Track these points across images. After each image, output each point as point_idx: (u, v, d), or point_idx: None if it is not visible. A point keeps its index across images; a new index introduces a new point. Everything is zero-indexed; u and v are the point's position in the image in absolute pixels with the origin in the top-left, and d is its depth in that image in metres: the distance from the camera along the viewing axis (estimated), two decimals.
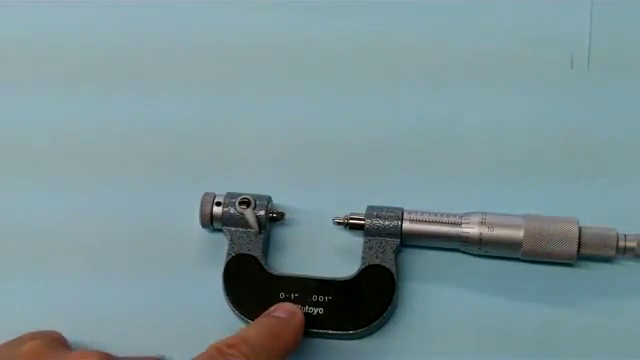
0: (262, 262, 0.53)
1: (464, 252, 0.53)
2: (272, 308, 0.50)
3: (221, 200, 0.53)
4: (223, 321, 0.52)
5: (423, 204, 0.53)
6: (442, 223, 0.52)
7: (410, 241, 0.53)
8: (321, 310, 0.51)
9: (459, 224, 0.52)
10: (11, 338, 0.49)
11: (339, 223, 0.53)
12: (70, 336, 0.51)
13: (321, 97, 0.59)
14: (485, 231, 0.51)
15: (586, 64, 0.59)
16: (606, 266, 0.53)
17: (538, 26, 0.60)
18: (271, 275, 0.53)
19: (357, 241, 0.53)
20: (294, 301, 0.51)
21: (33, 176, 0.58)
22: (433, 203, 0.54)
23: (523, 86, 0.59)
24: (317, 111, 0.58)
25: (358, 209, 0.53)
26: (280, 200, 0.55)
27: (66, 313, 0.54)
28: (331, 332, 0.51)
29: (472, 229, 0.52)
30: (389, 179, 0.56)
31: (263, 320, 0.50)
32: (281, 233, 0.55)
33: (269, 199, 0.54)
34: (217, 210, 0.53)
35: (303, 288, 0.52)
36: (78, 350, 0.46)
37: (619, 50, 0.60)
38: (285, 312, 0.50)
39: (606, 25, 0.60)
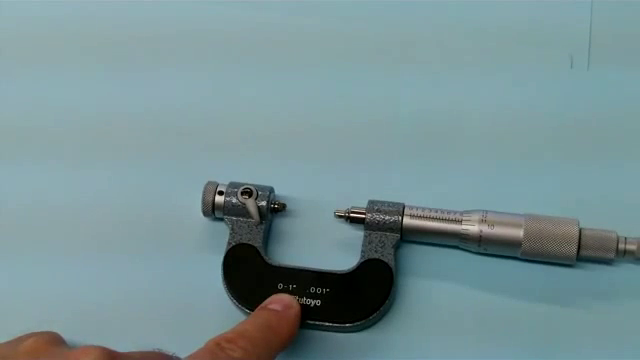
0: (262, 252, 0.53)
1: (464, 249, 0.53)
2: (268, 300, 0.51)
3: (223, 189, 0.54)
4: (221, 309, 0.52)
5: (425, 200, 0.53)
6: (443, 220, 0.52)
7: (410, 237, 0.53)
8: (319, 302, 0.51)
9: (460, 221, 0.52)
10: (10, 322, 0.50)
11: (340, 216, 0.54)
12: (67, 324, 0.51)
13: (325, 91, 0.59)
14: (485, 229, 0.51)
15: (586, 64, 0.59)
16: (606, 268, 0.53)
17: (538, 26, 0.61)
18: (270, 265, 0.53)
19: (357, 235, 0.53)
20: (292, 292, 0.51)
21: (33, 162, 0.58)
22: (435, 199, 0.54)
23: (523, 86, 0.59)
24: (321, 105, 0.59)
25: (359, 203, 0.53)
26: (282, 191, 0.55)
27: (64, 300, 0.54)
28: (328, 324, 0.51)
29: (472, 226, 0.52)
30: (391, 174, 0.56)
31: (260, 313, 0.50)
32: (282, 224, 0.55)
33: (271, 190, 0.54)
34: (219, 199, 0.54)
35: (301, 279, 0.52)
36: (80, 346, 0.46)
37: (619, 50, 0.60)
38: (281, 304, 0.50)
39: (606, 25, 0.60)
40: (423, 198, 0.54)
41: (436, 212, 0.52)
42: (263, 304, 0.50)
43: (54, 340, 0.48)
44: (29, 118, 0.59)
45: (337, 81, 0.59)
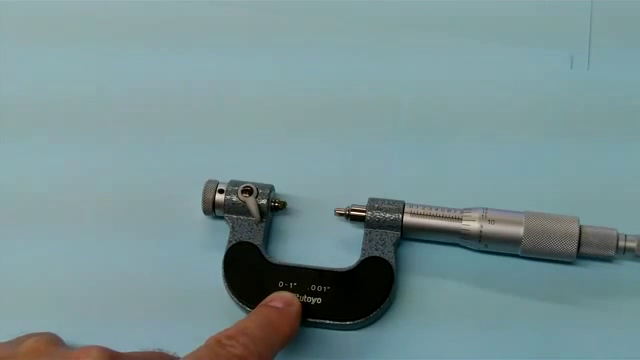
0: (262, 250, 0.53)
1: (464, 247, 0.53)
2: (269, 297, 0.51)
3: (224, 188, 0.54)
4: (222, 307, 0.52)
5: (425, 198, 0.53)
6: (443, 217, 0.52)
7: (410, 234, 0.53)
8: (319, 300, 0.51)
9: (460, 219, 0.52)
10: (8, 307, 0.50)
11: (340, 214, 0.54)
12: (66, 323, 0.51)
13: (324, 90, 0.59)
14: (485, 226, 0.51)
15: (586, 64, 0.60)
16: (606, 265, 0.53)
17: (538, 26, 0.61)
18: (271, 263, 0.53)
19: (358, 233, 0.54)
20: (293, 290, 0.52)
21: (33, 145, 0.59)
22: (435, 197, 0.54)
23: (524, 86, 0.59)
24: (321, 104, 0.59)
25: (360, 201, 0.53)
26: (282, 190, 0.55)
27: (64, 298, 0.54)
28: (328, 322, 0.51)
29: (473, 223, 0.52)
30: (392, 172, 0.56)
31: (261, 310, 0.50)
32: (282, 222, 0.55)
33: (271, 188, 0.54)
34: (219, 197, 0.54)
35: (302, 277, 0.52)
36: (80, 346, 0.46)
37: (619, 50, 0.60)
38: (282, 302, 0.50)
39: (606, 25, 0.60)
40: (423, 196, 0.54)
41: (436, 210, 0.52)
42: (264, 301, 0.50)
43: (54, 340, 0.48)
44: (33, 100, 0.60)
45: (336, 78, 0.60)
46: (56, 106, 0.59)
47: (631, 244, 0.51)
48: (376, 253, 0.52)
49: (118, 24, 0.62)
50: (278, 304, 0.50)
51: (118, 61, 0.61)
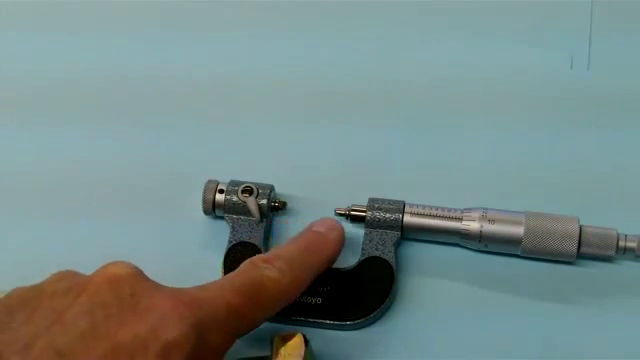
0: (262, 250, 0.53)
1: (464, 247, 0.53)
2: (314, 222, 0.51)
3: (224, 188, 0.54)
4: None
5: (425, 198, 0.53)
6: (443, 217, 0.52)
7: (411, 234, 0.53)
8: (319, 300, 0.51)
9: (460, 219, 0.52)
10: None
11: (340, 214, 0.54)
12: None
13: (323, 89, 0.59)
14: (485, 226, 0.51)
15: (586, 64, 0.60)
16: (606, 266, 0.53)
17: (538, 26, 0.61)
18: None
19: (358, 232, 0.53)
20: None
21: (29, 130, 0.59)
22: (435, 198, 0.54)
23: (523, 85, 0.59)
24: (320, 103, 0.59)
25: (360, 201, 0.53)
26: (283, 190, 0.55)
27: None
28: (328, 322, 0.51)
29: (473, 223, 0.52)
30: (392, 172, 0.56)
31: (301, 235, 0.50)
32: (282, 222, 0.55)
33: (272, 188, 0.54)
34: (220, 197, 0.54)
35: None
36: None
37: (619, 50, 0.60)
38: (325, 227, 0.50)
39: (606, 25, 0.60)
40: (423, 196, 0.54)
41: (437, 210, 0.52)
42: (308, 226, 0.51)
43: (73, 272, 0.46)
44: (32, 90, 0.60)
45: (336, 77, 0.60)
46: (55, 100, 0.60)
47: (631, 244, 0.51)
48: (376, 253, 0.52)
49: (120, 14, 0.62)
50: (320, 228, 0.50)
51: (118, 58, 0.61)
